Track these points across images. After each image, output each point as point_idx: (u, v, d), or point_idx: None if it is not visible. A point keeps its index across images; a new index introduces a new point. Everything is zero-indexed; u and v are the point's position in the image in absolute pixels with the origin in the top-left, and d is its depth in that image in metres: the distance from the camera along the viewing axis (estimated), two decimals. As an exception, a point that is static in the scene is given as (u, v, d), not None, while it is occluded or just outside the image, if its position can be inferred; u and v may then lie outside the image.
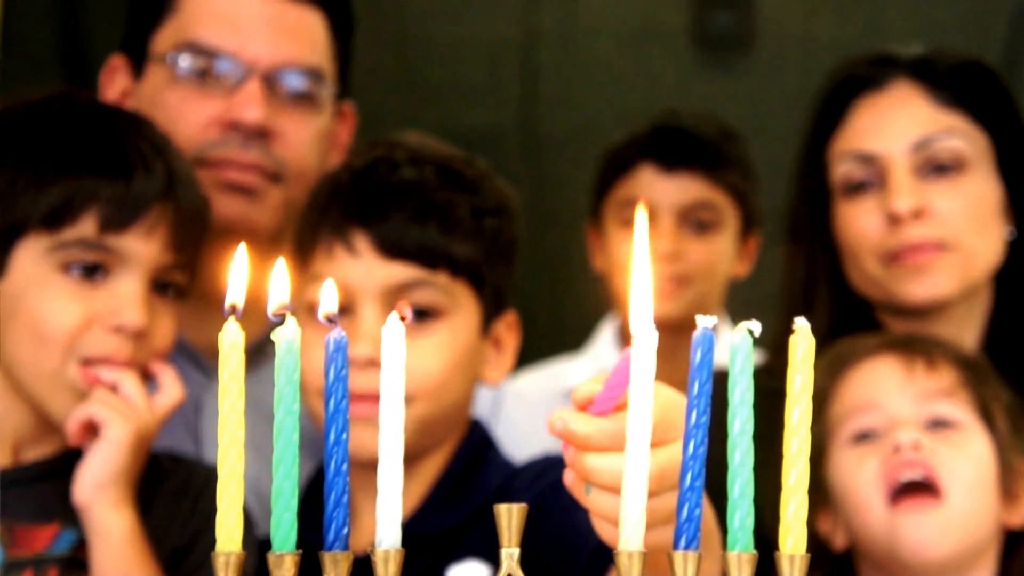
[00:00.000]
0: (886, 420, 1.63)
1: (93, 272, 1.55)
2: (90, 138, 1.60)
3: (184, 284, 1.62)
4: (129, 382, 1.54)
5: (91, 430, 1.53)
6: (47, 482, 1.56)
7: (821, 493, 1.64)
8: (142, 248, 1.55)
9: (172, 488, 1.61)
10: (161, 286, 1.59)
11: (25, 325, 1.54)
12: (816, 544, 1.66)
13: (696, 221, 2.41)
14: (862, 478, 1.61)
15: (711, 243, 2.42)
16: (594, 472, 0.96)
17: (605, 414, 0.97)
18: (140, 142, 1.60)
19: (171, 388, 1.58)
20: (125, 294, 1.55)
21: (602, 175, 2.48)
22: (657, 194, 2.40)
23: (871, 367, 1.68)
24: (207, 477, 1.63)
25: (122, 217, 1.54)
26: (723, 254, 2.44)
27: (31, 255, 1.54)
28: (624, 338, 2.54)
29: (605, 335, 2.58)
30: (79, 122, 1.62)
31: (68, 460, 1.55)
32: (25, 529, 1.53)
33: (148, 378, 1.58)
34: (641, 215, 0.87)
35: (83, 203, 1.54)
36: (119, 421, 1.51)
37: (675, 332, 2.39)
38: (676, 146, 2.42)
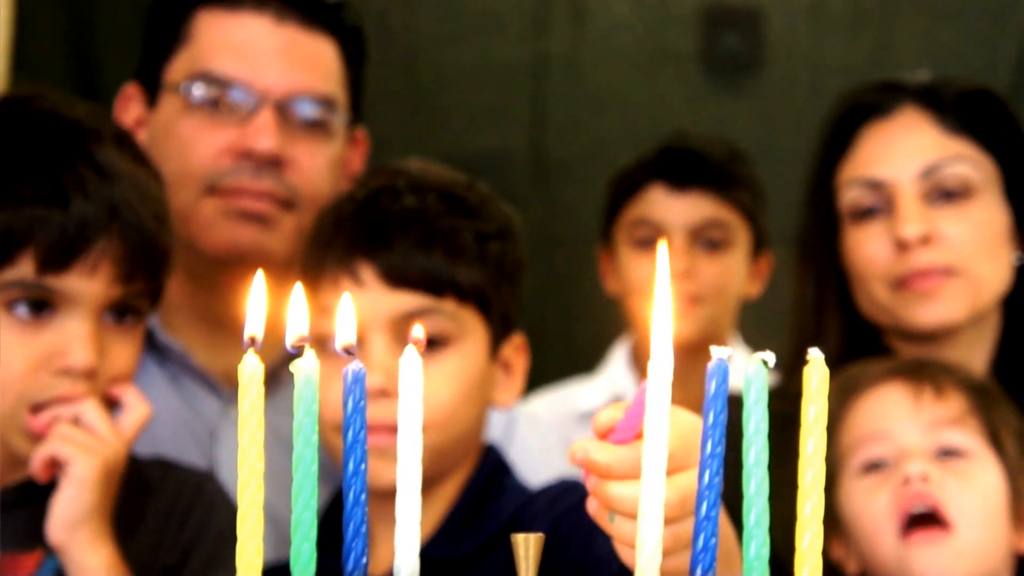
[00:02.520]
0: (895, 450, 1.63)
1: (40, 309, 1.49)
2: (29, 165, 1.51)
3: (145, 308, 1.57)
4: (90, 411, 1.49)
5: (57, 465, 1.48)
6: (28, 507, 1.52)
7: (833, 520, 1.64)
8: (85, 287, 1.49)
9: (161, 503, 1.58)
10: (119, 311, 1.53)
11: None
12: (829, 570, 1.66)
13: (707, 240, 2.41)
14: (873, 509, 1.61)
15: (722, 262, 2.42)
16: (617, 500, 0.97)
17: (625, 442, 0.98)
18: (83, 168, 1.51)
19: (136, 407, 1.53)
20: (71, 334, 1.49)
21: (612, 197, 2.49)
22: (667, 213, 2.40)
23: (880, 395, 1.68)
24: (198, 487, 1.61)
25: (60, 257, 1.47)
26: (735, 273, 2.44)
27: None
28: (637, 359, 2.54)
29: (618, 356, 2.58)
30: (22, 143, 1.54)
31: (47, 484, 1.50)
32: (9, 558, 1.50)
33: (113, 404, 1.53)
34: (663, 249, 0.88)
35: (18, 242, 1.47)
36: (83, 457, 1.46)
37: (688, 353, 2.40)
38: (685, 165, 2.43)
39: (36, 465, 1.49)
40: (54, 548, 1.47)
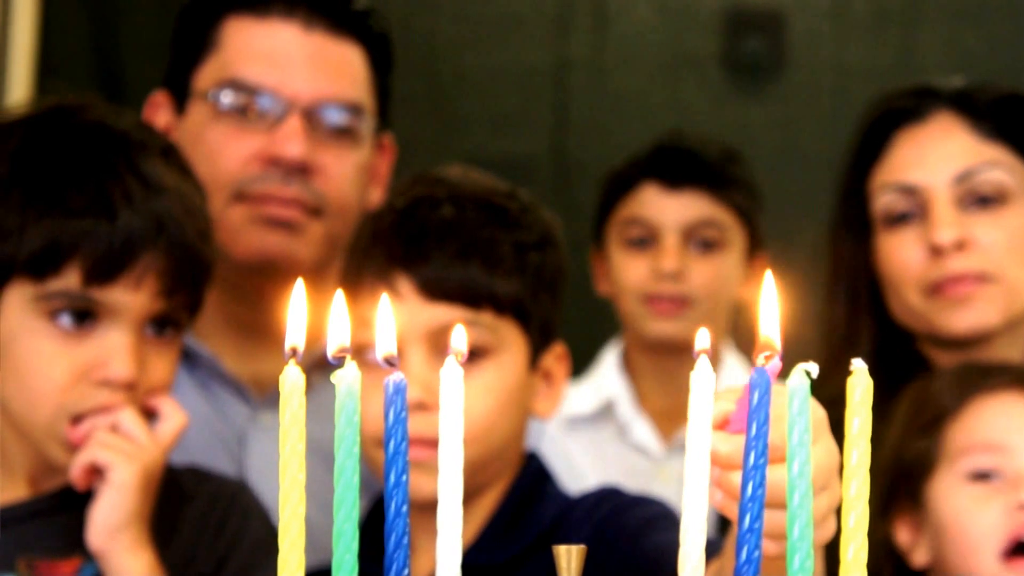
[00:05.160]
0: (1012, 469, 1.59)
1: (82, 319, 1.49)
2: (78, 175, 1.51)
3: (184, 321, 1.57)
4: (128, 418, 1.49)
5: (97, 472, 1.49)
6: (66, 513, 1.52)
7: (907, 503, 1.60)
8: (129, 300, 1.49)
9: (196, 511, 1.58)
10: (159, 324, 1.53)
11: (14, 375, 1.49)
12: (887, 551, 1.63)
13: (701, 240, 2.38)
14: (977, 522, 1.57)
15: (716, 263, 2.38)
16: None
17: (743, 431, 0.96)
18: (130, 180, 1.51)
19: (173, 415, 1.53)
20: (112, 346, 1.49)
21: (604, 197, 2.46)
22: (661, 212, 2.37)
23: (1002, 404, 1.64)
24: (233, 495, 1.61)
25: (106, 270, 1.48)
26: (729, 275, 2.40)
27: (19, 300, 1.49)
28: (629, 363, 2.49)
29: (609, 359, 2.53)
30: (70, 152, 1.53)
31: (85, 491, 1.50)
32: (47, 564, 1.50)
33: (150, 414, 1.53)
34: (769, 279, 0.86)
35: (66, 253, 1.47)
36: (123, 463, 1.46)
37: (676, 353, 2.39)
38: (679, 164, 2.40)
39: (76, 472, 1.49)
40: (94, 554, 1.47)
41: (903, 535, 1.63)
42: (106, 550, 1.46)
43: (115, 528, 1.46)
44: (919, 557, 1.63)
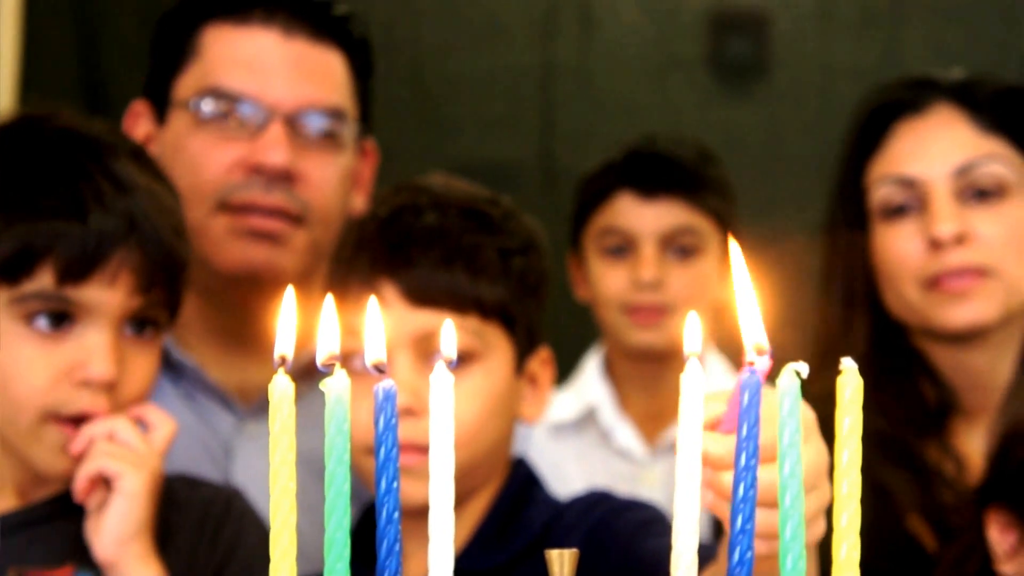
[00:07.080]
0: None
1: (60, 320, 1.49)
2: (48, 178, 1.51)
3: (163, 320, 1.57)
4: (124, 428, 1.48)
5: (99, 484, 1.48)
6: (57, 522, 1.52)
7: (1011, 509, 1.54)
8: (105, 297, 1.49)
9: (191, 520, 1.58)
10: (138, 323, 1.53)
11: None
12: (977, 536, 1.58)
13: (679, 247, 2.37)
14: None
15: (694, 269, 2.38)
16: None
17: (734, 432, 0.96)
18: (101, 180, 1.51)
19: (163, 423, 1.53)
20: (91, 345, 1.48)
21: (580, 204, 2.45)
22: (637, 221, 2.36)
23: None
24: (227, 502, 1.61)
25: (80, 268, 1.47)
26: (707, 279, 2.39)
27: None
28: (610, 369, 2.49)
29: (591, 366, 2.52)
30: (39, 157, 1.54)
31: (78, 501, 1.50)
32: (39, 574, 1.49)
33: (137, 422, 1.53)
34: (735, 247, 0.86)
35: (38, 254, 1.47)
36: (132, 471, 1.46)
37: (658, 362, 2.39)
38: (654, 171, 2.38)
39: (81, 482, 1.48)
40: (103, 565, 1.47)
41: (996, 534, 1.57)
42: (117, 561, 1.45)
43: (127, 538, 1.46)
44: (1008, 569, 1.57)
